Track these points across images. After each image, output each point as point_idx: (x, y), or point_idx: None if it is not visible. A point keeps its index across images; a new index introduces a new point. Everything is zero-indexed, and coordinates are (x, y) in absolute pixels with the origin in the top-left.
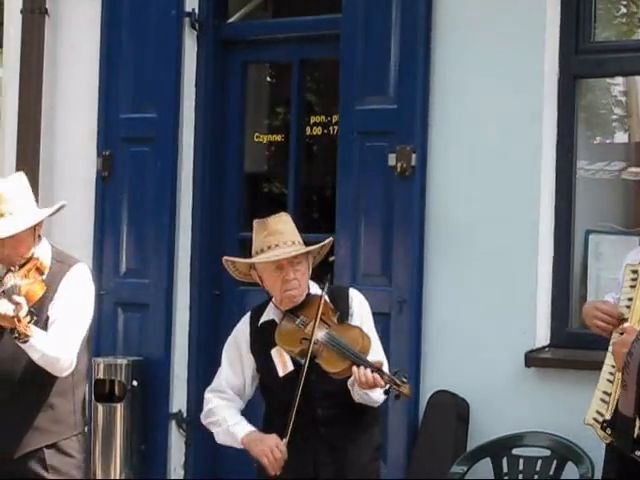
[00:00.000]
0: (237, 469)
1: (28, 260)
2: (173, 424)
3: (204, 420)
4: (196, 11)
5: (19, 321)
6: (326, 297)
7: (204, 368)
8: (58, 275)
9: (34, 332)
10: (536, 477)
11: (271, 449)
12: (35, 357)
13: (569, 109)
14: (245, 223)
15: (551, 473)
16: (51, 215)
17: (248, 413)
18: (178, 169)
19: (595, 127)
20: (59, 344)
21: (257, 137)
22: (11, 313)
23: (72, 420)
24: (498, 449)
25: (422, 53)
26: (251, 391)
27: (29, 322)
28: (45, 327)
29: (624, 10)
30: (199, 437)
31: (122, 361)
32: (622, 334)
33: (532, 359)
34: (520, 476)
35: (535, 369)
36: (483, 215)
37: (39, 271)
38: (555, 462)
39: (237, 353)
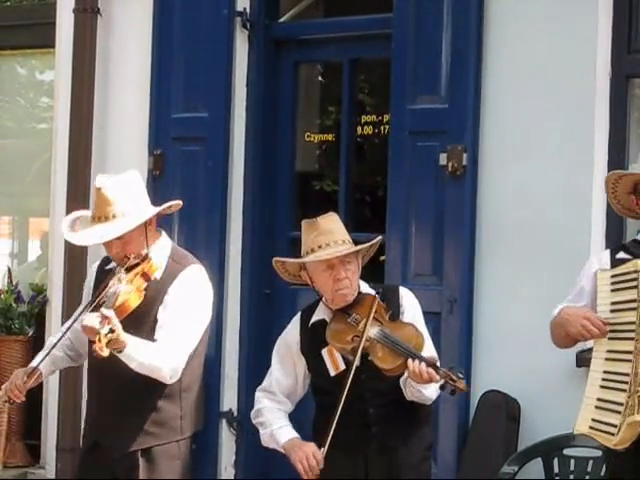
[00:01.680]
0: (287, 468)
1: (141, 261)
2: (224, 423)
3: (253, 419)
4: (247, 10)
5: (99, 340)
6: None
7: (254, 367)
8: (171, 276)
9: (128, 341)
10: (587, 477)
11: (307, 456)
12: (132, 365)
13: (621, 108)
14: (296, 222)
15: (602, 473)
16: (160, 213)
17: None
18: (229, 168)
19: None
20: (162, 353)
21: (308, 136)
22: (96, 326)
23: (177, 424)
24: (549, 449)
25: (474, 52)
26: (302, 391)
27: (110, 339)
28: (152, 330)
29: None
30: (250, 436)
31: None
32: None
33: (583, 359)
34: (571, 476)
35: (586, 369)
36: (534, 215)
37: (145, 276)
38: (606, 462)
39: (288, 354)
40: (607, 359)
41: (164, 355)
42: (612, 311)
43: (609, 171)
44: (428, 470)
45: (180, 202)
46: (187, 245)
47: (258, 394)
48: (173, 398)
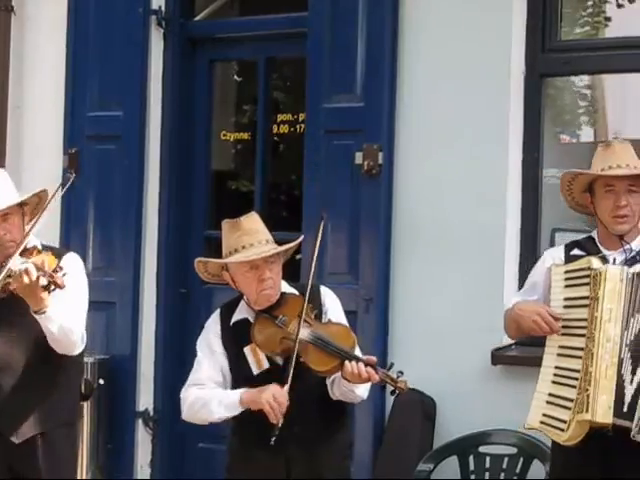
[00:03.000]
0: (203, 468)
1: (26, 249)
2: (140, 422)
3: (189, 414)
4: (162, 9)
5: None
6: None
7: (171, 366)
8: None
9: (50, 303)
10: (503, 475)
11: (274, 396)
12: (53, 329)
13: (535, 108)
14: (212, 221)
15: (517, 471)
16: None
17: None
18: (144, 167)
19: (561, 126)
20: (69, 316)
21: (224, 135)
22: (34, 274)
23: (71, 409)
24: (465, 447)
25: (389, 50)
26: (229, 386)
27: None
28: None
29: (590, 9)
30: (166, 435)
31: (88, 359)
32: None
33: (498, 357)
34: (487, 474)
35: (501, 367)
36: (450, 213)
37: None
38: (522, 460)
39: (211, 350)
40: (559, 355)
41: (72, 317)
42: (565, 307)
43: (523, 170)
44: (348, 469)
45: (47, 189)
46: (102, 244)
47: (185, 392)
48: (67, 384)
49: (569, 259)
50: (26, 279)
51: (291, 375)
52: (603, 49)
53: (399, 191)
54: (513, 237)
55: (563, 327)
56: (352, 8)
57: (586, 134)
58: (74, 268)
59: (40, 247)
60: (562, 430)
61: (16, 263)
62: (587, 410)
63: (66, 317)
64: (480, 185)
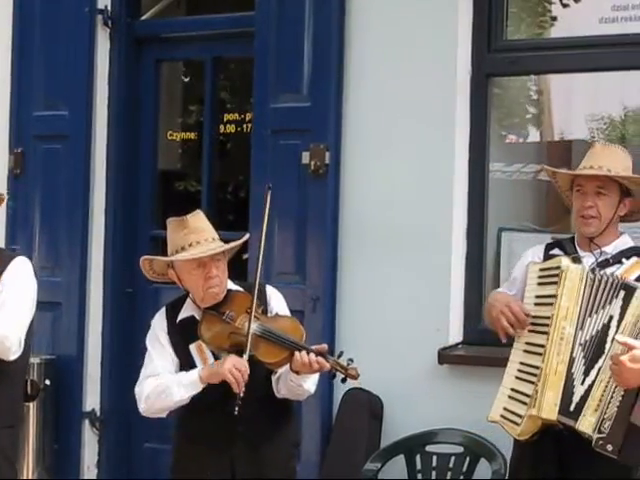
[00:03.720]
0: (150, 468)
1: None
2: (86, 423)
3: (147, 405)
4: (109, 8)
5: None
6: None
7: (117, 366)
8: (3, 262)
9: None
10: (449, 474)
11: (235, 366)
12: None
13: (482, 107)
14: (158, 221)
15: (464, 470)
16: None
17: None
18: (91, 167)
19: (508, 126)
20: (6, 323)
21: (170, 135)
22: None
23: (6, 415)
24: (411, 446)
25: (336, 51)
26: None
27: None
28: None
29: (536, 9)
30: (112, 436)
31: (35, 360)
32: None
33: (445, 356)
34: (433, 473)
35: (448, 366)
36: (397, 213)
37: None
38: (468, 459)
39: (160, 344)
40: (525, 351)
41: (7, 326)
42: (536, 304)
43: (469, 169)
44: (294, 468)
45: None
46: (48, 244)
47: (140, 386)
48: (7, 387)
49: (547, 258)
50: None
51: (247, 354)
52: (549, 49)
53: (346, 191)
54: (460, 237)
55: (531, 324)
56: (299, 8)
57: (532, 134)
58: (20, 272)
59: None
60: (517, 425)
61: None
62: (534, 405)
63: (1, 323)
64: (427, 185)
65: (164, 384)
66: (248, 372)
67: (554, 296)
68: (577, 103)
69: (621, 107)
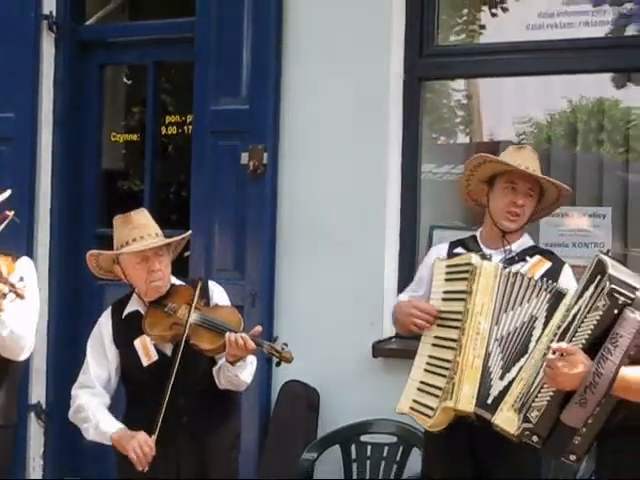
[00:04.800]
0: (95, 460)
1: None
2: (32, 415)
3: (73, 417)
4: (54, 13)
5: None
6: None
7: (63, 361)
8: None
9: (5, 308)
10: (383, 463)
11: (140, 445)
12: (4, 333)
13: (414, 110)
14: (103, 219)
15: (397, 459)
16: None
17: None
18: (37, 168)
19: (439, 128)
20: (23, 324)
21: (114, 136)
22: None
23: (6, 411)
24: (347, 436)
25: (273, 55)
26: (116, 383)
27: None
28: None
29: (465, 17)
30: (57, 428)
31: None
32: (561, 354)
33: (379, 349)
34: (368, 462)
35: (382, 359)
36: (333, 212)
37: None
38: (401, 448)
39: (101, 347)
40: (434, 345)
41: (24, 326)
42: (444, 299)
43: (402, 170)
44: (235, 458)
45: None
46: None
47: (75, 391)
48: (7, 387)
49: (451, 256)
50: None
51: (179, 356)
52: (478, 54)
53: (283, 190)
54: (393, 235)
55: (440, 319)
56: (238, 14)
57: (462, 136)
58: (29, 274)
59: None
60: (429, 417)
61: None
62: (451, 398)
63: (18, 323)
64: (361, 184)
65: (86, 413)
66: (153, 453)
67: (463, 292)
68: (505, 106)
69: (547, 110)
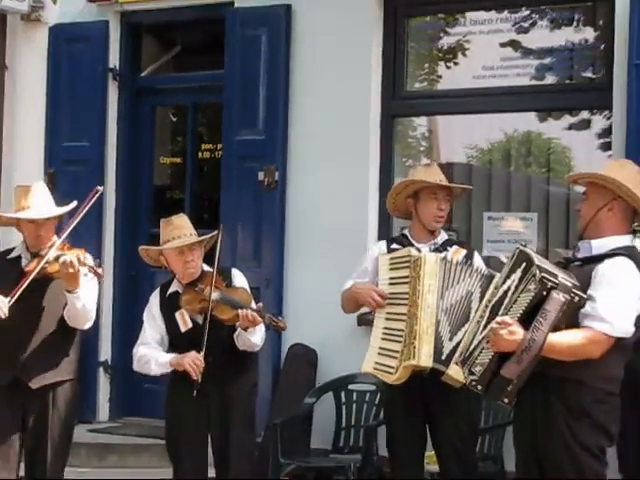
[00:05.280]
0: (149, 402)
1: (53, 244)
2: (101, 370)
3: (137, 365)
4: (117, 67)
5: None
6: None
7: (124, 328)
8: None
9: (82, 285)
10: (365, 405)
11: (192, 359)
12: (78, 306)
13: (389, 141)
14: (154, 222)
15: (376, 402)
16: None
17: None
18: (105, 183)
19: (407, 153)
20: (91, 301)
21: (162, 160)
22: (77, 263)
23: (74, 367)
24: (338, 385)
25: (282, 100)
26: (167, 343)
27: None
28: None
29: (427, 70)
30: (120, 379)
31: None
32: (499, 324)
33: (362, 320)
34: (354, 405)
35: (365, 327)
36: (327, 217)
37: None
38: (379, 394)
39: (152, 316)
40: (387, 319)
41: (93, 304)
42: (390, 284)
43: (379, 187)
44: (254, 402)
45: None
46: (72, 240)
47: (136, 348)
48: (75, 346)
49: (390, 250)
50: (71, 269)
51: (209, 322)
52: (436, 97)
53: (290, 200)
54: (372, 233)
55: (389, 299)
56: (255, 70)
57: (425, 159)
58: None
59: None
60: (391, 373)
61: (52, 254)
62: (414, 357)
63: (88, 299)
64: (349, 197)
65: (147, 357)
66: (203, 365)
67: (407, 277)
68: (456, 137)
69: (488, 140)
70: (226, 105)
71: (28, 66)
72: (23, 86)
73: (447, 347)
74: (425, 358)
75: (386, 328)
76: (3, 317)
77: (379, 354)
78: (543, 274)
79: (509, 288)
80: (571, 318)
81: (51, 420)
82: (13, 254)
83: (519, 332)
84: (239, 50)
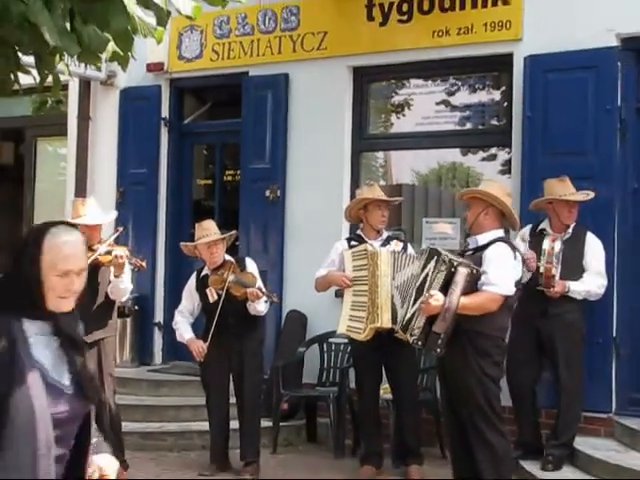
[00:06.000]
0: (184, 353)
1: (102, 241)
2: (156, 329)
3: (174, 326)
4: (167, 117)
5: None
6: (234, 261)
7: (172, 299)
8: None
9: (127, 271)
10: (340, 353)
11: (197, 347)
12: (121, 287)
13: (356, 168)
14: (192, 225)
15: (347, 352)
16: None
17: None
18: (158, 199)
19: (370, 177)
20: (127, 281)
21: (199, 182)
22: (124, 256)
23: (115, 326)
24: (321, 339)
25: (282, 139)
26: (197, 312)
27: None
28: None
29: (384, 118)
30: (169, 336)
31: (129, 296)
32: (429, 296)
33: (338, 293)
34: (333, 353)
35: (340, 299)
36: (314, 222)
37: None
38: (349, 346)
39: (189, 293)
40: (353, 294)
41: (129, 284)
42: (354, 270)
43: (351, 199)
44: (262, 353)
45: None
46: (132, 238)
47: (176, 315)
48: (114, 312)
49: (351, 246)
50: (120, 260)
51: (222, 299)
52: (390, 138)
53: (288, 210)
54: (344, 236)
55: (354, 281)
56: (264, 118)
57: (382, 181)
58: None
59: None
60: (360, 333)
61: (103, 249)
62: (378, 321)
63: (127, 281)
64: (329, 208)
65: (178, 325)
66: (205, 351)
67: (366, 265)
68: (405, 165)
69: (427, 167)
70: (243, 143)
71: (105, 117)
72: (102, 131)
73: (400, 314)
74: (386, 321)
75: (353, 302)
76: None
77: (350, 319)
78: (451, 258)
79: (428, 274)
80: (472, 286)
81: (104, 360)
82: None
83: (441, 298)
84: (252, 105)
